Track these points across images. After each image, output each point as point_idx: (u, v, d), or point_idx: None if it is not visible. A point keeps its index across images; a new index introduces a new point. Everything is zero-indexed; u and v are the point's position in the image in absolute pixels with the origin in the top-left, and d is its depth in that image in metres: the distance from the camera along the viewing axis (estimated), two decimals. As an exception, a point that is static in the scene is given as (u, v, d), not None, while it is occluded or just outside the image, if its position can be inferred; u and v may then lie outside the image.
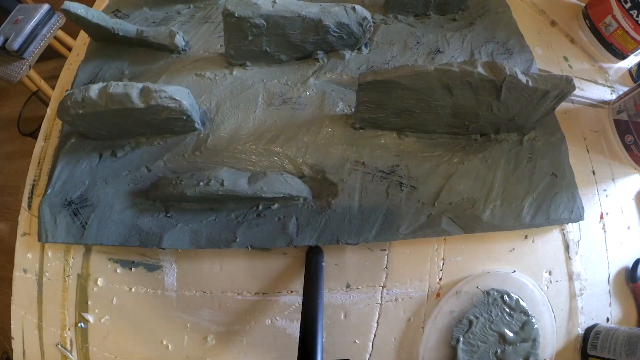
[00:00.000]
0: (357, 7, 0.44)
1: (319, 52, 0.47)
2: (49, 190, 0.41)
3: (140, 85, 0.38)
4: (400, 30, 0.51)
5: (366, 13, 0.44)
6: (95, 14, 0.47)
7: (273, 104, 0.45)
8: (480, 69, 0.36)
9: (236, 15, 0.40)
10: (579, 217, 0.41)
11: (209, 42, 0.51)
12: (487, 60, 0.40)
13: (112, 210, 0.40)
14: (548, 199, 0.41)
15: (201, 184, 0.38)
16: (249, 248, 0.39)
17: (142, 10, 0.54)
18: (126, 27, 0.48)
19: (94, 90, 0.38)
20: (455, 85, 0.37)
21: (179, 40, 0.48)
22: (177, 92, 0.39)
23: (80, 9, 0.46)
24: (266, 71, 0.48)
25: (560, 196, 0.41)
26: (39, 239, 0.40)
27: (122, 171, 0.42)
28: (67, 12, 0.45)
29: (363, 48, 0.49)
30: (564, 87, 0.37)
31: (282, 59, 0.48)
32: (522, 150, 0.43)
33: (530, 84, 0.36)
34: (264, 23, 0.42)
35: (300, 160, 0.42)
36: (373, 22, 0.46)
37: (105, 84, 0.38)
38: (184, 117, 0.40)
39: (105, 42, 0.51)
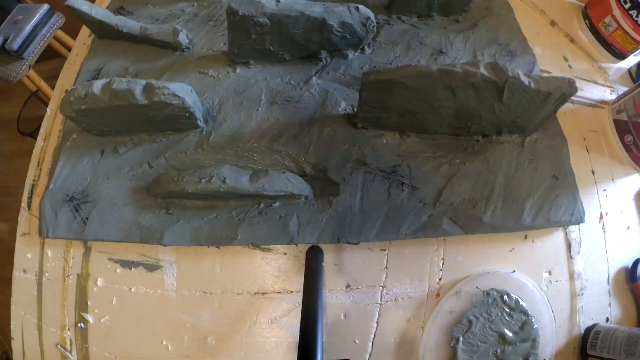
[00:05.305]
0: (361, 7, 0.44)
1: (322, 51, 0.47)
2: (51, 186, 0.41)
3: (143, 81, 0.39)
4: (403, 30, 0.51)
5: (370, 13, 0.45)
6: (99, 11, 0.47)
7: (276, 102, 0.45)
8: (482, 70, 0.36)
9: (240, 13, 0.40)
10: (579, 220, 0.41)
11: (213, 40, 0.51)
12: (490, 61, 0.40)
13: (114, 206, 0.40)
14: (549, 201, 0.41)
15: (203, 181, 0.38)
16: (250, 246, 0.39)
17: (146, 8, 0.54)
18: (130, 24, 0.48)
19: (97, 86, 0.38)
20: (458, 86, 0.37)
21: (183, 38, 0.48)
22: (180, 89, 0.39)
23: (84, 6, 0.46)
24: (269, 70, 0.48)
25: (561, 198, 0.41)
26: (40, 234, 0.40)
27: (123, 167, 0.42)
28: (71, 9, 0.45)
29: (366, 48, 0.49)
30: (566, 89, 0.37)
31: (285, 57, 0.48)
32: (523, 152, 0.43)
33: (532, 85, 0.36)
34: (268, 22, 0.42)
35: (303, 159, 0.42)
36: (376, 23, 0.47)
37: (108, 80, 0.38)
38: (187, 114, 0.40)
39: (109, 39, 0.51)
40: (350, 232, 0.39)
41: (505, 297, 0.39)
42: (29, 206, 0.44)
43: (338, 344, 0.39)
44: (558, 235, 0.43)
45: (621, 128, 0.48)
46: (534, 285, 0.41)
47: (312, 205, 0.40)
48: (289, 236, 0.39)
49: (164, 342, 0.39)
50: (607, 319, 0.42)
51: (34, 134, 1.42)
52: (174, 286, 0.40)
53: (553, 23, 0.56)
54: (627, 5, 0.49)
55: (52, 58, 1.18)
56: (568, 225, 0.43)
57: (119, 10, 0.54)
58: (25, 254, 0.42)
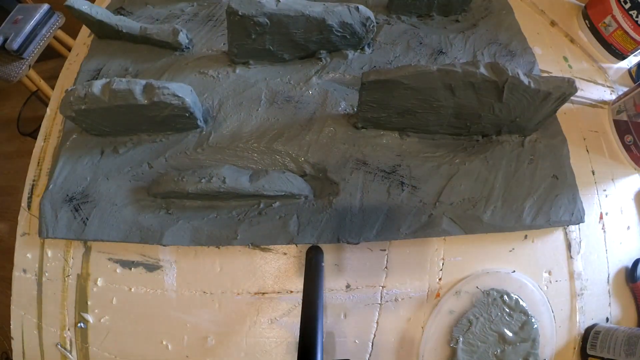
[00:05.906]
0: (361, 7, 0.44)
1: (322, 51, 0.47)
2: (51, 186, 0.41)
3: (143, 81, 0.39)
4: (403, 30, 0.51)
5: (369, 13, 0.45)
6: (99, 11, 0.47)
7: (276, 102, 0.45)
8: (482, 70, 0.36)
9: (240, 13, 0.40)
10: (579, 220, 0.41)
11: (212, 40, 0.51)
12: (490, 61, 0.40)
13: (113, 206, 0.40)
14: (549, 201, 0.41)
15: (203, 181, 0.38)
16: (250, 246, 0.39)
17: (145, 8, 0.54)
18: (130, 24, 0.48)
19: (97, 86, 0.38)
20: (458, 86, 0.37)
21: (183, 37, 0.48)
22: (180, 89, 0.39)
23: (84, 6, 0.46)
24: (269, 70, 0.48)
25: (561, 198, 0.41)
26: (40, 235, 0.40)
27: (123, 167, 0.42)
28: (71, 9, 0.45)
29: (366, 48, 0.49)
30: (566, 89, 0.37)
31: (285, 57, 0.48)
32: (523, 152, 0.43)
33: (532, 85, 0.36)
34: (268, 21, 0.42)
35: (302, 159, 0.42)
36: (376, 22, 0.47)
37: (108, 80, 0.38)
38: (187, 114, 0.40)
39: (109, 39, 0.51)
40: (350, 232, 0.39)
41: (505, 297, 0.39)
42: (29, 206, 0.44)
43: (338, 344, 0.39)
44: (558, 235, 0.43)
45: (621, 128, 0.48)
46: (534, 285, 0.41)
47: (312, 205, 0.40)
48: (289, 236, 0.39)
49: (164, 342, 0.39)
50: (607, 319, 0.43)
51: (34, 134, 1.42)
52: (174, 286, 0.40)
53: (553, 23, 0.56)
54: (627, 6, 0.49)
55: (52, 58, 1.18)
56: (568, 225, 0.43)
57: (118, 10, 0.54)
58: (25, 254, 0.42)
